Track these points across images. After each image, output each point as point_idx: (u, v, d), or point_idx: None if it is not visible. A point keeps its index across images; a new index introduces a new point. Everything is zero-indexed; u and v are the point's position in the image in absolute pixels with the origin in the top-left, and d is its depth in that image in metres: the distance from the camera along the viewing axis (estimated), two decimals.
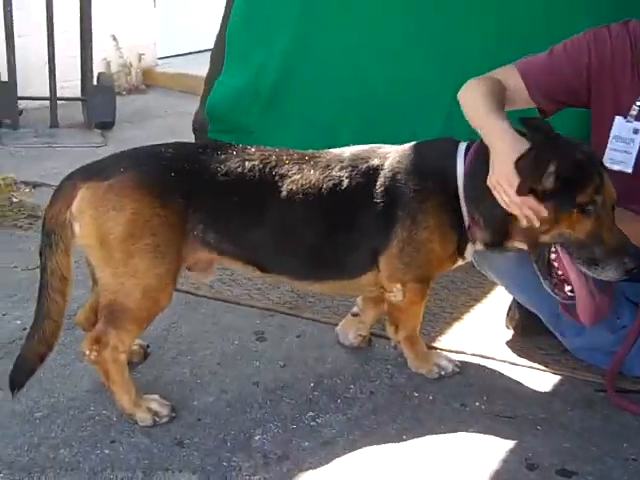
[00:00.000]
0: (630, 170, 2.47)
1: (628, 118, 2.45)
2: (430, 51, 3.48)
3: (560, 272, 2.29)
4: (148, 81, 7.24)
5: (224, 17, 3.80)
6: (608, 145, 2.49)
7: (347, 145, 2.51)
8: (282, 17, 3.67)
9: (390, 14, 3.53)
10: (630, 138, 2.42)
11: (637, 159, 2.44)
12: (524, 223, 2.22)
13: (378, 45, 3.57)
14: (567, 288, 2.30)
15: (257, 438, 2.27)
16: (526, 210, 2.18)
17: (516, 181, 2.15)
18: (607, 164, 2.44)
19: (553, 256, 2.27)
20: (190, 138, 3.84)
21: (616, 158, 2.48)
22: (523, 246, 2.34)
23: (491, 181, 2.23)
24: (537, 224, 2.21)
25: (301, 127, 3.64)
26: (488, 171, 2.24)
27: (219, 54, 3.81)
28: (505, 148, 2.21)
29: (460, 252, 2.45)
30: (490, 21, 3.35)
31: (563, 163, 2.16)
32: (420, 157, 2.40)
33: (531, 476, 2.11)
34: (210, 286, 3.17)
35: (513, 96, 2.50)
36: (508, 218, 2.27)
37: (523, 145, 2.19)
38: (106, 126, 5.61)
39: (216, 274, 3.22)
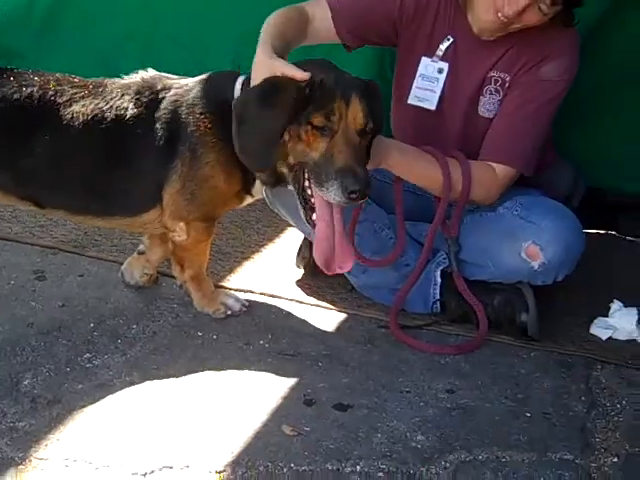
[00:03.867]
0: (434, 107, 2.56)
1: (434, 58, 2.53)
2: None
3: (313, 200, 2.20)
4: None
5: None
6: (414, 83, 2.57)
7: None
8: None
9: None
10: (435, 77, 2.50)
11: (440, 97, 2.54)
12: None
13: None
14: (315, 216, 2.22)
15: (26, 382, 2.14)
16: None
17: None
18: (413, 102, 2.57)
19: (307, 183, 2.19)
20: None
21: (421, 96, 2.58)
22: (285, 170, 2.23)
23: None
24: None
25: (78, 54, 3.52)
26: None
27: None
28: (255, 78, 2.19)
29: (247, 189, 2.39)
30: None
31: (302, 85, 2.10)
32: (201, 90, 2.30)
33: (308, 411, 2.12)
34: None
35: (319, 27, 2.49)
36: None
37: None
38: None
39: None
